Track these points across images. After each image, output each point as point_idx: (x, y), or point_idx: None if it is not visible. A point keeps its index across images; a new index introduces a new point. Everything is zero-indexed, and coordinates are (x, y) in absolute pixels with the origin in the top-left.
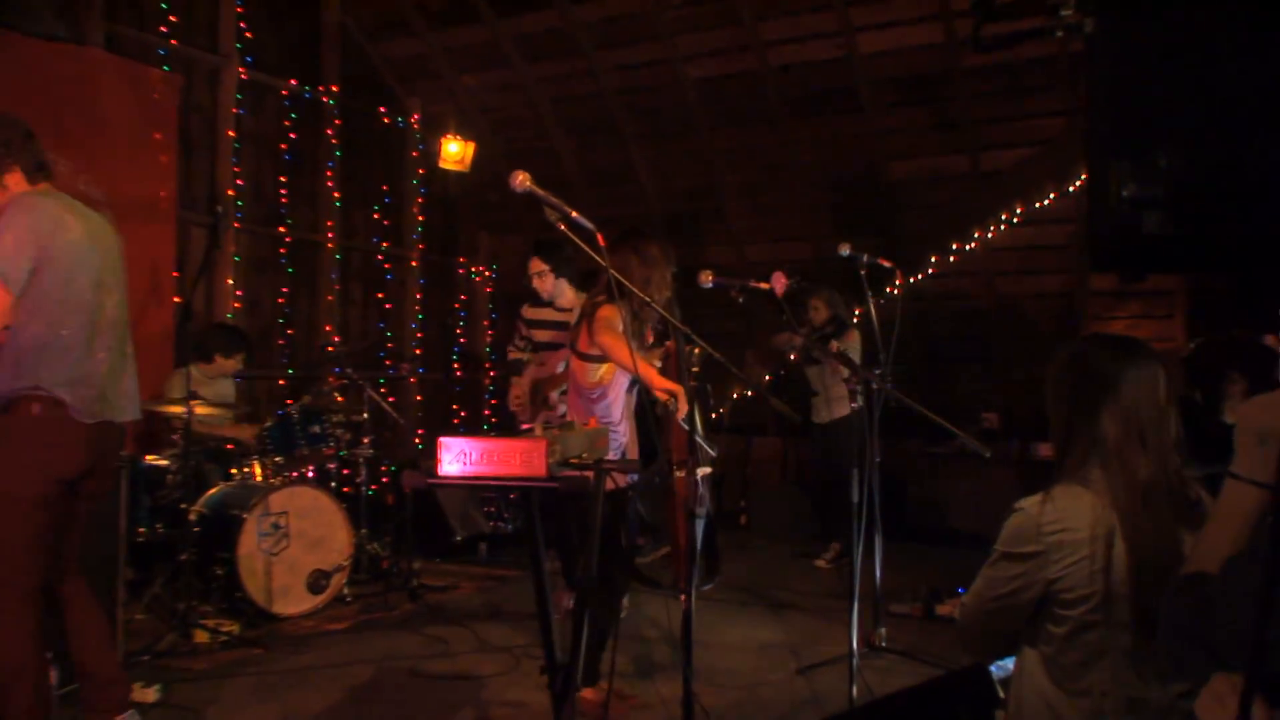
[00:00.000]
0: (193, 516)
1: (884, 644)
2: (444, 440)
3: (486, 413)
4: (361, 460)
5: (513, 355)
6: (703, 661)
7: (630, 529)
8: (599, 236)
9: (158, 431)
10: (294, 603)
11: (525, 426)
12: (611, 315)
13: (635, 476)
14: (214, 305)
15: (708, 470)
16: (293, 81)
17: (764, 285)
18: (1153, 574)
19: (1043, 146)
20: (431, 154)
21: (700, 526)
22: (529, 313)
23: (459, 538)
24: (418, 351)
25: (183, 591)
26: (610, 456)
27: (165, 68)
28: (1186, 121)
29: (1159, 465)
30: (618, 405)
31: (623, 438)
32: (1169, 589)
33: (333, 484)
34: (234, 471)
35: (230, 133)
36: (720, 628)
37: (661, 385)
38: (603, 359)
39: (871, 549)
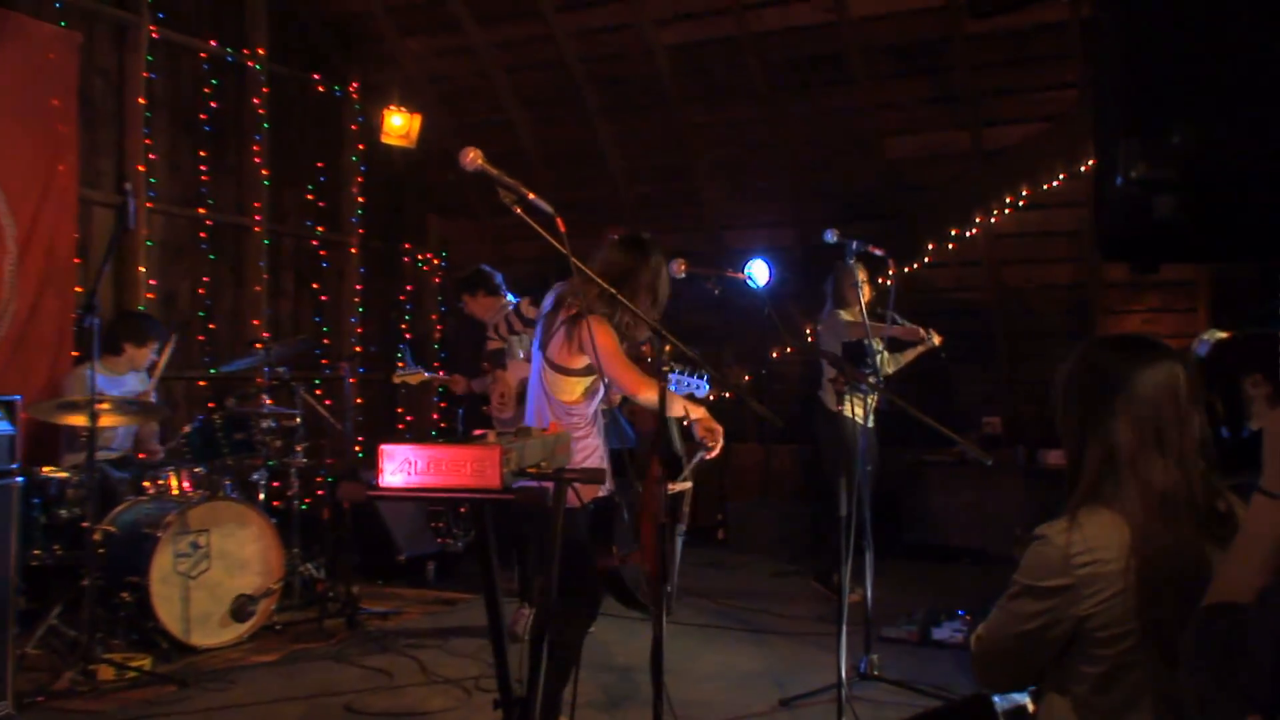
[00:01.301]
0: (98, 536)
1: (876, 672)
2: (386, 448)
3: (435, 416)
4: (294, 471)
5: (493, 345)
6: (676, 693)
7: (621, 545)
8: (559, 221)
9: (53, 439)
10: (215, 633)
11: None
12: (609, 338)
13: (607, 488)
14: (123, 296)
15: (687, 485)
16: (213, 43)
17: (742, 275)
18: (1173, 596)
19: (1052, 122)
20: (373, 127)
21: (679, 544)
22: (533, 311)
23: (403, 557)
24: (357, 349)
25: (85, 622)
26: (594, 458)
27: (62, 23)
28: (1202, 95)
29: (1180, 473)
30: (594, 414)
31: (601, 442)
32: (1193, 621)
33: (261, 498)
34: (147, 484)
35: (140, 100)
36: (695, 655)
37: (704, 420)
38: (588, 372)
39: (862, 567)
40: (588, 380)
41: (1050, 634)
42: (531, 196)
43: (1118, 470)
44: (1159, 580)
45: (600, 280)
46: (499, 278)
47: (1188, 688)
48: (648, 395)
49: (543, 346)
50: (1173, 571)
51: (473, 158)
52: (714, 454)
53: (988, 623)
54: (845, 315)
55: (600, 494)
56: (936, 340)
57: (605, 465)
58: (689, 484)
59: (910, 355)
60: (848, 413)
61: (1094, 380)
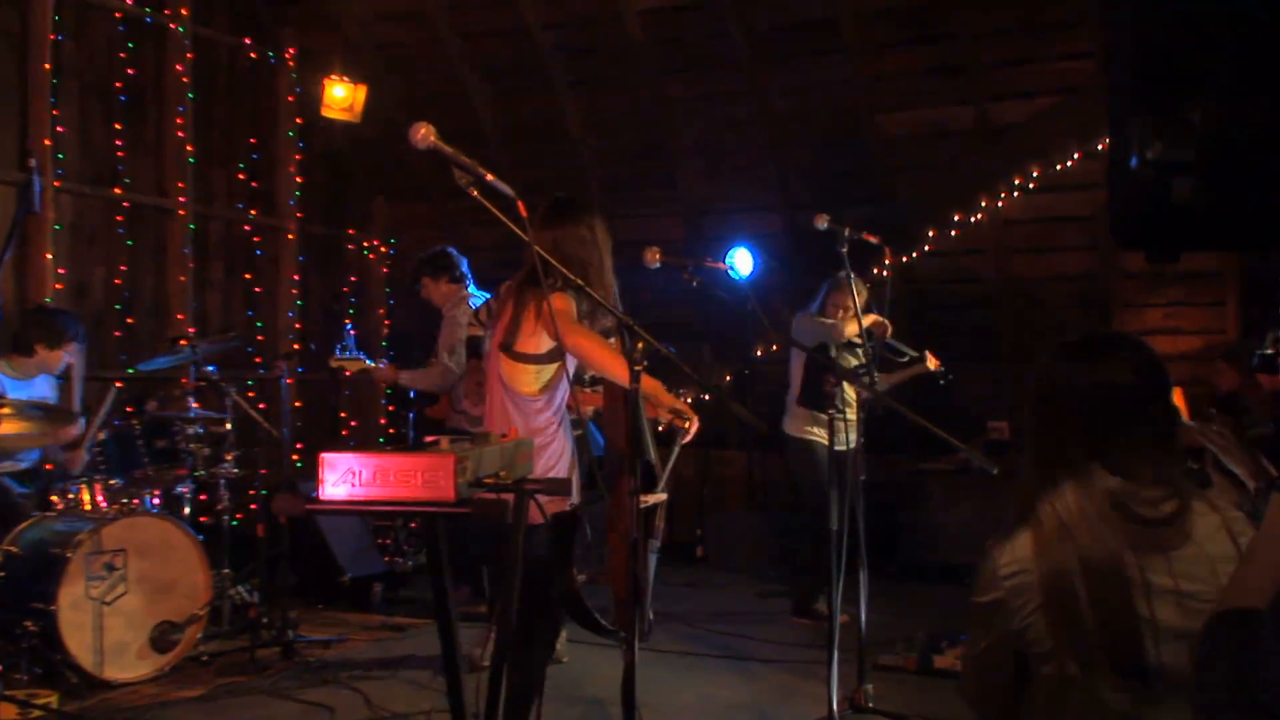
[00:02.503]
0: None
1: (871, 704)
2: (328, 456)
3: (382, 421)
4: (223, 482)
5: (474, 331)
6: None
7: (581, 564)
8: (520, 205)
9: None
10: (133, 665)
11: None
12: (570, 307)
13: (572, 501)
14: (26, 286)
15: (662, 497)
16: (129, 1)
17: (722, 266)
18: (1089, 609)
19: (1065, 95)
20: (311, 99)
21: (652, 563)
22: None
23: (347, 578)
24: (295, 346)
25: None
26: (561, 466)
27: None
28: (1224, 67)
29: (1113, 479)
30: (561, 411)
31: (570, 444)
32: (1203, 632)
33: (186, 513)
34: (55, 499)
35: (46, 65)
36: (673, 685)
37: (669, 404)
38: (552, 359)
39: (855, 588)
40: (551, 368)
41: (1000, 654)
42: (490, 178)
43: (1050, 479)
44: (1065, 594)
45: (566, 271)
46: (465, 264)
47: (1198, 709)
48: (616, 370)
49: (499, 337)
50: (1087, 582)
51: (424, 134)
52: (691, 435)
53: (965, 645)
54: (821, 319)
55: (564, 507)
56: (932, 364)
57: (571, 474)
58: (664, 496)
59: (900, 376)
60: (817, 435)
61: (1039, 389)
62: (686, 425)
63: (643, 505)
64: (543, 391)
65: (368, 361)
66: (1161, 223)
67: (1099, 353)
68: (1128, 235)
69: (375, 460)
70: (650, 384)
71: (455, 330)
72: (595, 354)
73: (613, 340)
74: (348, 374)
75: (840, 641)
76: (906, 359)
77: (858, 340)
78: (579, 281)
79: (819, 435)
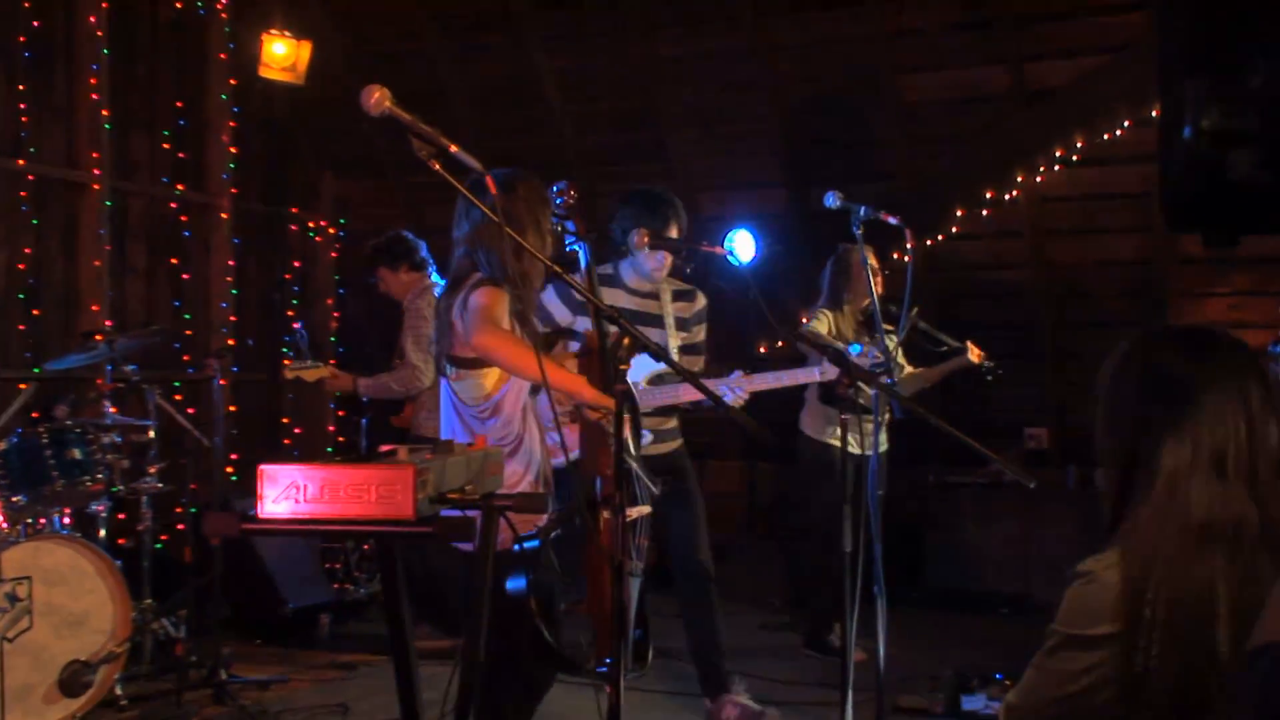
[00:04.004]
0: None
1: None
2: (268, 469)
3: (331, 429)
4: (145, 499)
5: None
6: None
7: (546, 592)
8: (489, 180)
9: None
10: (39, 711)
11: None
12: (492, 302)
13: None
14: None
15: (646, 510)
16: None
17: (720, 250)
18: (1187, 644)
19: (1113, 54)
20: (248, 57)
21: (635, 587)
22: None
23: (289, 609)
24: (230, 342)
25: None
26: (525, 482)
27: None
28: None
29: (1244, 502)
30: (518, 417)
31: (537, 455)
32: (1258, 662)
33: (102, 535)
34: None
35: None
36: None
37: (593, 399)
38: (489, 363)
39: (872, 618)
40: (494, 373)
41: (1101, 696)
42: (454, 149)
43: (1153, 494)
44: (1179, 628)
45: (542, 258)
46: (424, 250)
47: None
48: (526, 370)
49: (440, 346)
50: (1189, 614)
51: (378, 98)
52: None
53: (1020, 687)
54: (820, 324)
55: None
56: (975, 356)
57: (536, 490)
58: (647, 509)
59: (938, 373)
60: (837, 440)
61: (1152, 387)
62: (608, 422)
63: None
64: (485, 398)
65: (326, 369)
66: (1218, 201)
67: (1220, 351)
68: (1180, 216)
69: (323, 473)
70: (561, 377)
71: (421, 325)
72: (502, 354)
73: (575, 345)
74: (308, 379)
75: (856, 681)
76: (945, 349)
77: (889, 327)
78: (557, 270)
79: (839, 441)
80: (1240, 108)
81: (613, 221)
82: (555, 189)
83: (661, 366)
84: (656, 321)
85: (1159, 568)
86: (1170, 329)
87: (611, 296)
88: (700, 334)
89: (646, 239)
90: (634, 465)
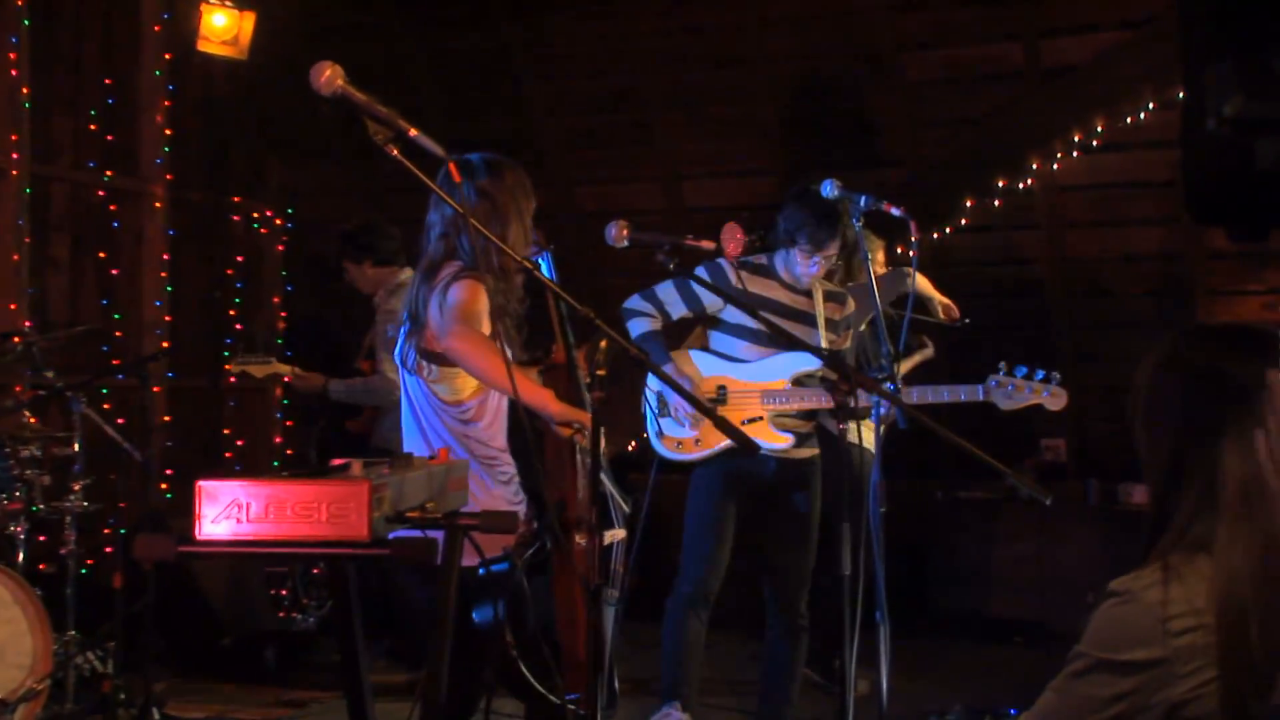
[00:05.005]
0: None
1: None
2: (206, 485)
3: (278, 440)
4: (69, 519)
5: None
6: None
7: (522, 619)
8: (452, 166)
9: None
10: None
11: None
12: (472, 298)
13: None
14: None
15: (620, 534)
16: None
17: (707, 244)
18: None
19: (1136, 29)
20: (185, 29)
21: (610, 616)
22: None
23: (229, 640)
24: (165, 345)
25: None
26: (502, 499)
27: None
28: None
29: None
30: (500, 423)
31: (512, 469)
32: None
33: (20, 559)
34: None
35: None
36: None
37: (561, 414)
38: None
39: (874, 647)
40: None
41: None
42: (414, 133)
43: (1223, 506)
44: (1254, 655)
45: (510, 251)
46: (396, 240)
47: None
48: (487, 371)
49: (411, 341)
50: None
51: (329, 76)
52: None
53: (1035, 712)
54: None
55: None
56: (947, 316)
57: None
58: (622, 533)
59: (915, 359)
60: (853, 437)
61: (1204, 387)
62: (580, 438)
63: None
64: (470, 398)
65: (279, 364)
66: (1244, 193)
67: (1258, 342)
68: (1204, 208)
69: (268, 489)
70: (529, 390)
71: (393, 327)
72: (474, 360)
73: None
74: (258, 375)
75: (856, 716)
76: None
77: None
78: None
79: (853, 437)
80: (1265, 94)
81: (782, 211)
82: None
83: (807, 366)
84: (809, 319)
85: (1247, 588)
86: (1214, 326)
87: (765, 286)
88: (847, 340)
89: (625, 232)
90: (608, 486)
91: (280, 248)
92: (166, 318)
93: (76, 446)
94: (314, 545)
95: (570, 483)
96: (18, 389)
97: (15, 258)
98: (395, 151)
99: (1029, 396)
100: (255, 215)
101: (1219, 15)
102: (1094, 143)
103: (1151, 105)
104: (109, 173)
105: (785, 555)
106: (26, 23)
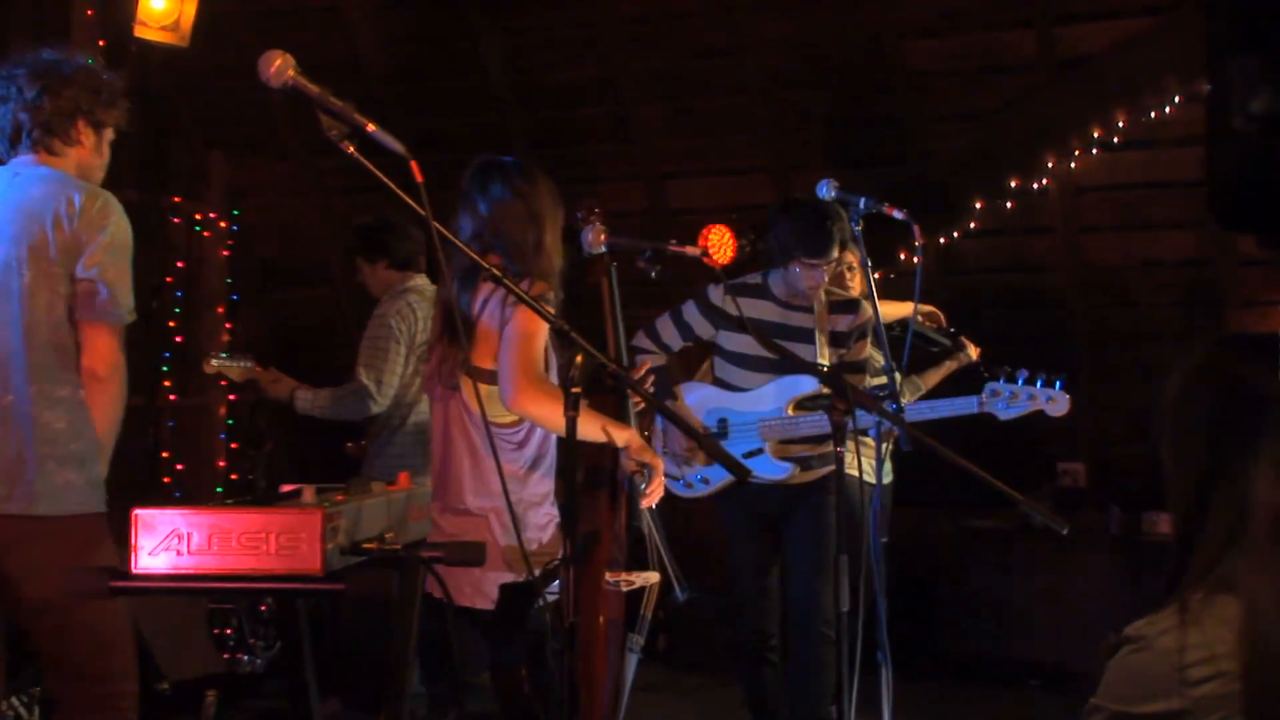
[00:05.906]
0: None
1: None
2: (143, 513)
3: (221, 464)
4: None
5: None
6: None
7: (541, 661)
8: (414, 165)
9: None
10: None
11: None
12: (535, 331)
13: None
14: None
15: (654, 578)
16: None
17: (692, 250)
18: None
19: (1159, 17)
20: (121, 13)
21: (633, 664)
22: (734, 304)
23: (166, 685)
24: None
25: None
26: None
27: None
28: None
29: None
30: (549, 454)
31: (554, 512)
32: None
33: None
34: None
35: None
36: None
37: (639, 452)
38: None
39: (876, 690)
40: None
41: None
42: (371, 128)
43: (1251, 538)
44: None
45: (481, 260)
46: (416, 242)
47: None
48: (539, 410)
49: (455, 353)
50: None
51: (279, 66)
52: (651, 498)
53: None
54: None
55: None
56: (976, 353)
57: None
58: (655, 577)
59: (936, 376)
60: (851, 469)
61: (1231, 406)
62: (645, 484)
63: (628, 587)
64: (520, 421)
65: (257, 368)
66: (1272, 196)
67: None
68: (1229, 211)
69: (211, 518)
70: (623, 433)
71: (383, 336)
72: (545, 415)
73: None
74: (235, 378)
75: None
76: (938, 349)
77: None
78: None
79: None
80: None
81: (770, 229)
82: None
83: (807, 390)
84: (804, 336)
85: (1275, 631)
86: (1247, 336)
87: (758, 309)
88: (863, 350)
89: (603, 237)
90: (649, 525)
91: (224, 252)
92: None
93: None
94: (262, 580)
95: (605, 519)
96: None
97: None
98: (351, 149)
99: (1027, 403)
100: (197, 216)
101: (1244, 7)
102: (1114, 139)
103: (1177, 98)
104: None
105: (797, 585)
106: None
